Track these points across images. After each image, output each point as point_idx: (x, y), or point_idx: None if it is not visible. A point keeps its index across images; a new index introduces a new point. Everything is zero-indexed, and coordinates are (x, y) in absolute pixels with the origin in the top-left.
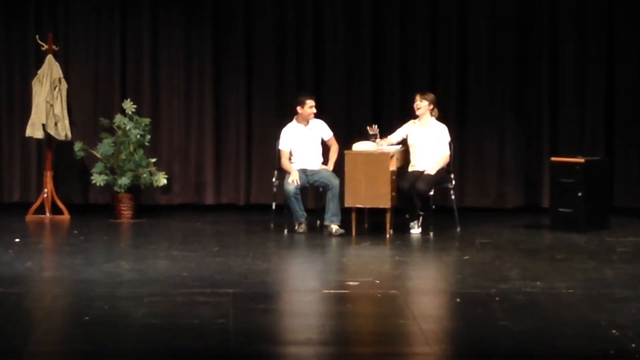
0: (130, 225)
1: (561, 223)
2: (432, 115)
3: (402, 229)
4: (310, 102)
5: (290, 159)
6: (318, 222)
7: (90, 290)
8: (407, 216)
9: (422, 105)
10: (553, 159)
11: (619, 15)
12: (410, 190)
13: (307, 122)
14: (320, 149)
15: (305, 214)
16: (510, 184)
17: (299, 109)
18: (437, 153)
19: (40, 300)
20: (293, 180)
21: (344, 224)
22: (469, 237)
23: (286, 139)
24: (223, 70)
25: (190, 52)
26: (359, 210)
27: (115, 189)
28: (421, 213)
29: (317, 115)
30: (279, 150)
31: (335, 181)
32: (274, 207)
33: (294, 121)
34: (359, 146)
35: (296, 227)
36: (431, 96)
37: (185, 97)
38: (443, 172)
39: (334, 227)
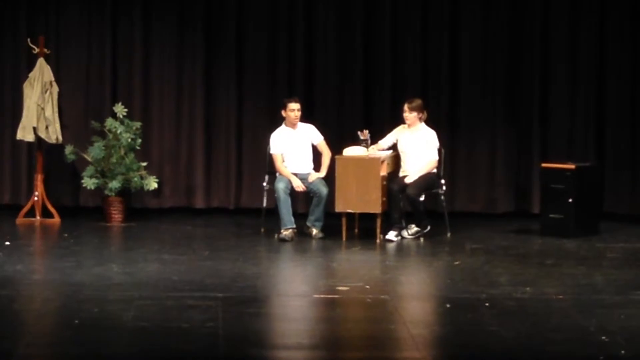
0: (120, 229)
1: (551, 229)
2: (421, 120)
3: None
4: (292, 105)
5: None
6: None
7: (80, 293)
8: (396, 215)
9: (410, 116)
10: (543, 164)
11: (611, 22)
12: (398, 194)
13: (295, 125)
14: (310, 153)
15: (293, 219)
16: (500, 190)
17: (283, 112)
18: (426, 159)
19: (30, 303)
20: (298, 187)
21: (334, 228)
22: (460, 242)
23: (276, 142)
24: (214, 74)
25: (181, 56)
26: (350, 215)
27: (106, 192)
28: (406, 226)
29: (308, 120)
30: (270, 155)
31: (324, 190)
32: (264, 211)
33: (283, 125)
34: (350, 151)
35: (282, 233)
36: (418, 103)
37: (176, 101)
38: (433, 177)
39: (314, 231)
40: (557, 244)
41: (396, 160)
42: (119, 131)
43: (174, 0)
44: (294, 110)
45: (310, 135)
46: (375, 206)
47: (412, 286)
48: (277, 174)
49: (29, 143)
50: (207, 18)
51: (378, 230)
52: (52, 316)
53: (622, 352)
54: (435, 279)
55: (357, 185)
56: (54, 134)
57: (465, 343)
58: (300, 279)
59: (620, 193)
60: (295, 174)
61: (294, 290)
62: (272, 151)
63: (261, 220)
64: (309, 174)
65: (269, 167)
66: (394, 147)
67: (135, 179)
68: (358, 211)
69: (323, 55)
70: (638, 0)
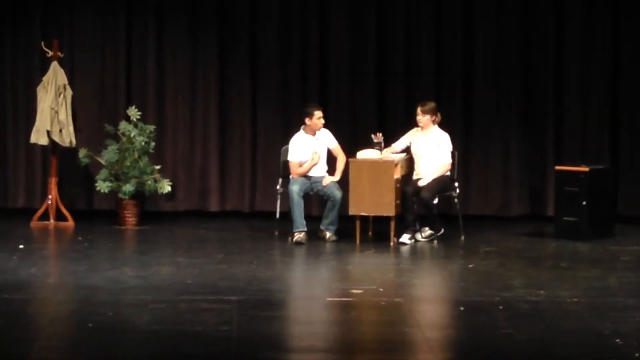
0: (134, 232)
1: (565, 231)
2: (434, 123)
3: None
4: (318, 113)
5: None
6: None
7: (94, 297)
8: (410, 218)
9: (423, 119)
10: (557, 167)
11: (624, 24)
12: (412, 196)
13: (315, 132)
14: (326, 157)
15: (304, 222)
16: (514, 193)
17: (307, 120)
18: (440, 161)
19: (44, 306)
20: (313, 158)
21: (348, 231)
22: (473, 245)
23: (295, 150)
24: (228, 77)
25: (195, 59)
26: (363, 218)
27: (120, 195)
28: (420, 229)
29: (323, 125)
30: (287, 162)
31: (338, 193)
32: (278, 214)
33: (302, 132)
34: (364, 154)
35: (295, 237)
36: (431, 106)
37: (189, 104)
38: (447, 180)
39: (328, 234)
40: (571, 246)
41: (410, 163)
42: (132, 134)
43: (188, 4)
44: (320, 117)
45: (326, 140)
46: (389, 209)
47: (426, 289)
48: (291, 177)
49: (42, 146)
50: (221, 21)
51: (392, 233)
52: (66, 319)
53: (636, 354)
54: (449, 282)
55: (370, 188)
56: (67, 137)
57: (479, 346)
58: (314, 282)
59: (634, 196)
60: (310, 177)
61: (308, 293)
62: (291, 159)
63: (275, 223)
64: (323, 177)
65: (283, 170)
66: (407, 150)
67: (149, 182)
68: (372, 214)
69: (336, 58)
70: None
